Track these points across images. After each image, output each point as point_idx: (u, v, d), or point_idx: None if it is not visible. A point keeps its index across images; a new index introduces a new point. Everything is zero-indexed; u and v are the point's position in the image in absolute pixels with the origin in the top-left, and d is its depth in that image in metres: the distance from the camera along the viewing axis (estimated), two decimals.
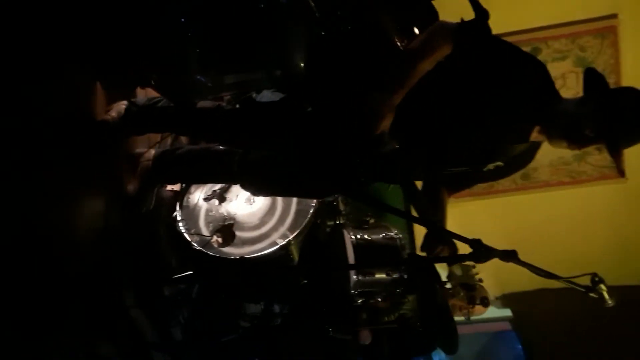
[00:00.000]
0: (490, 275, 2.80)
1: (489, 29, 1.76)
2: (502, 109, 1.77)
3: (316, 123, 1.98)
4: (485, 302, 1.96)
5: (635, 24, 3.62)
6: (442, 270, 3.20)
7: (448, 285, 2.07)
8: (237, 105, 2.09)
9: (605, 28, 3.65)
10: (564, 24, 3.67)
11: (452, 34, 1.72)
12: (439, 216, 2.11)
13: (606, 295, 1.57)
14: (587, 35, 3.69)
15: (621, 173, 1.76)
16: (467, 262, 1.85)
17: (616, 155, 1.70)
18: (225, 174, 2.40)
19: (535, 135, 1.86)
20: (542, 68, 1.83)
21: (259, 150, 2.27)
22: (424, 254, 2.00)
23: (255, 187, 2.40)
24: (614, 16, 3.63)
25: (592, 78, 1.75)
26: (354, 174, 1.98)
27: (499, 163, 1.95)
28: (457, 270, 2.02)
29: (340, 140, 1.90)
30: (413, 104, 1.78)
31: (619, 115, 1.68)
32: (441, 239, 1.97)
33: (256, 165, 2.26)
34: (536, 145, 1.95)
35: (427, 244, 2.02)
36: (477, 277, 1.98)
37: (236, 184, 2.65)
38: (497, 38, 1.82)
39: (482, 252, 1.56)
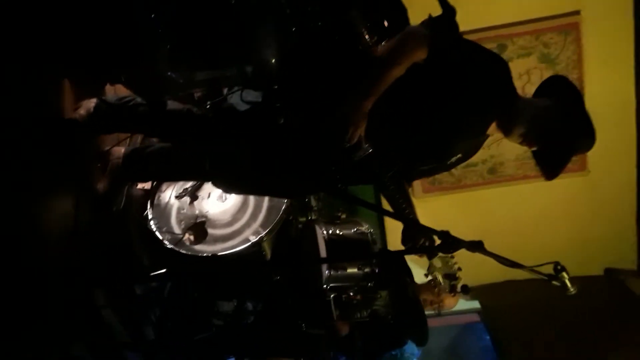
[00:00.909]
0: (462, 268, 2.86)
1: (456, 26, 1.80)
2: (468, 106, 1.83)
3: (288, 125, 1.99)
4: (466, 290, 2.02)
5: (597, 21, 3.71)
6: (418, 266, 3.28)
7: (429, 277, 2.12)
8: (207, 109, 2.08)
9: (568, 25, 3.74)
10: (528, 21, 3.75)
11: (426, 40, 1.75)
12: (410, 209, 2.15)
13: (568, 283, 1.62)
14: (550, 32, 3.77)
15: (550, 177, 1.90)
16: (444, 254, 1.89)
17: (561, 162, 1.85)
18: (197, 172, 2.40)
19: (491, 129, 1.93)
20: (504, 65, 1.89)
21: (228, 149, 2.27)
22: (401, 248, 2.04)
23: (227, 185, 2.40)
24: (576, 13, 3.72)
25: (562, 86, 1.87)
26: (330, 179, 2.01)
27: (459, 155, 2.03)
28: (437, 262, 2.06)
29: (315, 147, 1.92)
30: (385, 105, 1.81)
31: (577, 128, 1.83)
32: (420, 232, 2.02)
33: (228, 164, 2.26)
34: (487, 136, 2.03)
35: (407, 237, 2.07)
36: (456, 266, 2.03)
37: (208, 182, 2.65)
38: (462, 37, 1.87)
39: (450, 243, 1.59)
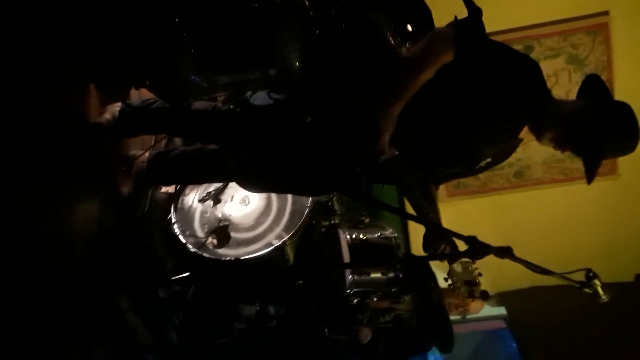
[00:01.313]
0: (485, 274, 2.80)
1: (483, 28, 1.76)
2: (496, 109, 1.79)
3: (314, 125, 1.98)
4: (485, 296, 1.98)
5: (627, 21, 3.64)
6: (440, 270, 3.23)
7: (449, 282, 2.09)
8: (233, 106, 2.08)
9: (596, 25, 3.67)
10: (556, 22, 3.69)
11: (452, 42, 1.72)
12: (434, 213, 2.12)
13: (600, 291, 1.58)
14: (579, 33, 3.71)
15: (589, 180, 1.85)
16: (466, 259, 1.86)
17: (592, 165, 1.80)
18: (221, 172, 2.40)
19: (524, 133, 1.89)
20: (535, 67, 1.84)
21: (252, 148, 2.27)
22: (424, 254, 2.00)
23: (252, 184, 2.39)
24: (605, 13, 3.65)
25: (594, 86, 1.80)
26: (354, 179, 1.98)
27: (489, 160, 1.99)
28: (458, 268, 2.03)
29: (341, 147, 1.91)
30: (411, 109, 1.78)
31: (609, 130, 1.76)
32: (442, 238, 1.99)
33: (252, 162, 2.25)
34: (520, 140, 1.98)
35: (429, 243, 2.04)
36: (476, 272, 1.99)
37: (232, 181, 2.65)
38: (490, 39, 1.84)
39: (477, 249, 1.56)
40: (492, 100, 1.77)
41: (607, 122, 1.77)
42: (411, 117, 1.81)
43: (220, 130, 2.19)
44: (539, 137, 1.88)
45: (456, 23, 1.77)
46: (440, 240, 2.00)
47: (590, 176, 1.82)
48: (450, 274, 2.08)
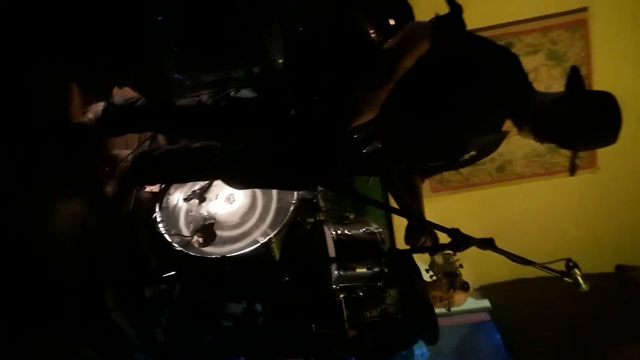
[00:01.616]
0: (469, 267, 2.83)
1: (463, 24, 1.79)
2: (477, 102, 1.81)
3: (298, 118, 1.99)
4: (465, 287, 2.01)
5: (605, 17, 3.69)
6: (424, 263, 3.26)
7: (430, 273, 2.12)
8: (217, 101, 2.08)
9: (575, 21, 3.72)
10: (536, 19, 3.74)
11: (429, 31, 1.75)
12: (418, 206, 2.14)
13: (580, 280, 1.60)
14: (558, 29, 3.76)
15: (571, 171, 1.86)
16: (448, 251, 1.88)
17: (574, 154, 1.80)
18: (205, 169, 2.39)
19: (507, 126, 1.91)
20: (514, 59, 1.86)
21: (238, 143, 2.28)
22: (407, 247, 2.03)
23: (236, 180, 2.39)
24: (584, 9, 3.71)
25: (574, 78, 1.81)
26: (337, 171, 1.99)
27: (473, 152, 2.00)
28: (439, 259, 2.06)
29: (322, 138, 1.92)
30: (395, 101, 1.80)
31: (587, 121, 1.77)
32: (423, 230, 2.01)
33: (236, 158, 2.26)
34: (505, 133, 1.99)
35: (409, 235, 2.06)
36: (457, 263, 2.02)
37: (217, 179, 2.65)
38: (470, 33, 1.85)
39: (460, 240, 1.59)
40: (473, 92, 1.79)
41: (585, 113, 1.77)
42: (396, 109, 1.82)
43: (205, 124, 2.19)
44: (519, 129, 1.90)
45: (436, 18, 1.79)
46: (421, 232, 2.02)
47: (573, 167, 1.84)
48: (432, 265, 2.12)
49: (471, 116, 1.84)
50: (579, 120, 1.77)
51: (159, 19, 1.85)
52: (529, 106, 1.84)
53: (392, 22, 1.86)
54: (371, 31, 1.84)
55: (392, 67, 1.75)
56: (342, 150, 1.90)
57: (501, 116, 1.89)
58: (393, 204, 2.11)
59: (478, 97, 1.80)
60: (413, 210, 2.04)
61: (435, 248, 1.83)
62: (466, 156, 2.01)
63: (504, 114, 1.88)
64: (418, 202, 2.16)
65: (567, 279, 1.62)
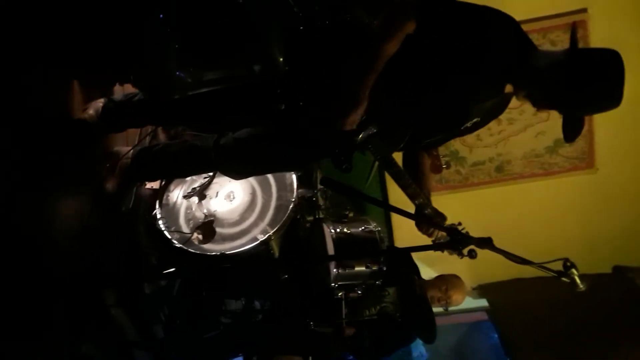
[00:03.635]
0: (467, 267, 2.86)
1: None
2: (475, 69, 1.77)
3: (293, 112, 2.00)
4: (472, 255, 1.90)
5: (605, 18, 3.69)
6: (422, 263, 3.28)
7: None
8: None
9: (575, 22, 3.71)
10: (535, 19, 3.73)
11: (412, 11, 1.71)
12: (423, 186, 2.12)
13: (578, 280, 1.61)
14: (557, 30, 3.75)
15: (566, 138, 1.77)
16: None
17: (570, 123, 1.74)
18: (204, 163, 2.40)
19: (509, 88, 1.88)
20: (508, 22, 1.81)
21: (232, 134, 2.29)
22: (410, 245, 2.02)
23: (234, 170, 2.40)
24: (583, 10, 3.70)
25: (572, 39, 1.74)
26: (334, 160, 1.99)
27: (476, 119, 1.97)
28: (443, 233, 2.03)
29: (319, 130, 1.93)
30: (386, 82, 1.79)
31: (583, 85, 1.69)
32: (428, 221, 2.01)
33: (232, 148, 2.27)
34: (509, 95, 1.93)
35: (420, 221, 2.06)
36: (464, 231, 1.95)
37: (215, 171, 2.65)
38: (457, 2, 1.80)
39: (458, 239, 1.60)
40: (469, 60, 1.75)
41: (580, 79, 1.69)
42: (390, 90, 1.82)
43: (205, 110, 2.20)
44: (516, 94, 1.86)
45: None
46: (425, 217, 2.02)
47: (567, 134, 1.75)
48: (436, 237, 2.11)
49: (471, 83, 1.80)
50: (573, 87, 1.69)
51: (161, 16, 1.85)
52: (527, 70, 1.78)
53: None
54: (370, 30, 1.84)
55: (376, 56, 1.74)
56: (338, 140, 1.90)
57: (501, 80, 1.84)
58: (392, 202, 2.12)
59: (475, 64, 1.75)
60: (414, 190, 2.02)
61: (433, 247, 1.83)
62: (468, 124, 1.96)
63: (504, 77, 1.83)
64: (423, 181, 2.15)
65: (564, 279, 1.63)
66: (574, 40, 1.73)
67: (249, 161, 2.32)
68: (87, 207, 2.29)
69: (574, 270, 1.61)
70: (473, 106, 1.90)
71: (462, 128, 1.99)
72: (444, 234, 1.93)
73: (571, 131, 1.75)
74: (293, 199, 2.84)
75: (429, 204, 2.08)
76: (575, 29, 1.76)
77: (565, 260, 1.63)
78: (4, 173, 1.80)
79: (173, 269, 2.49)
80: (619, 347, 3.41)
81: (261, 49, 1.90)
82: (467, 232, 1.81)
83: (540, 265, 1.64)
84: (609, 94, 1.70)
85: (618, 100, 1.69)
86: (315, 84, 1.94)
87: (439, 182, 4.03)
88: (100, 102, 2.33)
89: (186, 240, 2.73)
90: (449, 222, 2.05)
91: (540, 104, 1.81)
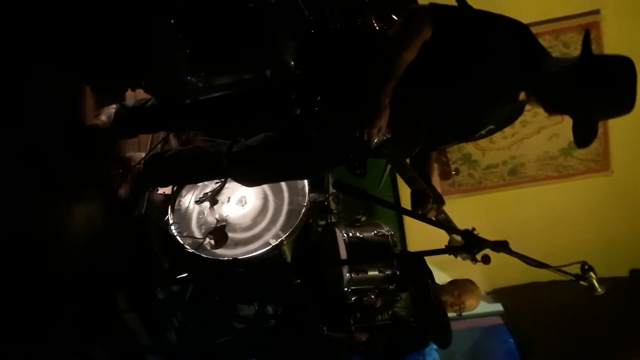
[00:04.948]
0: (481, 271, 2.83)
1: (464, 2, 1.77)
2: (489, 79, 1.77)
3: (307, 118, 1.99)
4: (487, 260, 1.89)
5: (618, 19, 3.67)
6: (436, 267, 3.26)
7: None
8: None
9: (588, 24, 3.69)
10: (548, 21, 3.72)
11: (429, 17, 1.71)
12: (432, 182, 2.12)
13: (596, 284, 1.59)
14: (570, 31, 3.73)
15: (578, 143, 1.74)
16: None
17: (582, 127, 1.72)
18: (216, 169, 2.41)
19: (523, 95, 1.87)
20: (522, 31, 1.82)
21: (245, 141, 2.29)
22: (423, 249, 2.00)
23: (247, 177, 2.41)
24: (596, 12, 3.68)
25: (585, 45, 1.73)
26: (349, 166, 1.98)
27: (491, 126, 1.97)
28: (458, 238, 2.01)
29: (334, 137, 1.92)
30: (402, 91, 1.79)
31: (593, 91, 1.69)
32: (428, 198, 1.99)
33: (245, 156, 2.27)
34: (523, 102, 1.93)
35: (416, 203, 2.04)
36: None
37: (227, 177, 2.65)
38: (473, 9, 1.80)
39: (474, 242, 1.58)
40: (484, 68, 1.75)
41: (590, 85, 1.69)
42: (406, 97, 1.81)
43: (218, 115, 2.20)
44: (528, 100, 1.86)
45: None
46: (426, 200, 2.00)
47: (579, 139, 1.72)
48: (450, 242, 2.09)
49: (485, 91, 1.80)
50: (585, 92, 1.69)
51: (172, 21, 1.86)
52: (538, 76, 1.78)
53: (395, 18, 1.86)
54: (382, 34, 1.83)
55: (394, 63, 1.73)
56: (352, 147, 1.89)
57: (515, 88, 1.84)
58: (404, 205, 2.11)
59: (489, 73, 1.75)
60: (419, 183, 2.01)
61: (448, 250, 1.81)
62: (483, 131, 1.97)
63: (518, 85, 1.83)
64: (431, 177, 2.15)
65: (582, 282, 1.60)
66: (586, 45, 1.72)
67: (262, 169, 2.32)
68: (99, 212, 2.30)
69: (592, 274, 1.59)
70: (488, 113, 1.90)
71: (476, 135, 2.00)
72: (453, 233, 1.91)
73: (583, 136, 1.73)
74: (305, 204, 2.83)
75: (442, 210, 2.08)
76: (588, 35, 1.75)
77: (583, 263, 1.61)
78: (18, 179, 1.81)
79: (185, 274, 2.49)
80: (637, 351, 3.36)
81: (271, 53, 1.90)
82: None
83: (557, 269, 1.61)
84: (621, 99, 1.69)
85: (630, 105, 1.68)
86: (328, 88, 1.94)
87: (451, 185, 4.01)
88: (112, 108, 2.35)
89: (198, 246, 2.73)
90: (462, 226, 2.02)
91: (552, 108, 1.81)
